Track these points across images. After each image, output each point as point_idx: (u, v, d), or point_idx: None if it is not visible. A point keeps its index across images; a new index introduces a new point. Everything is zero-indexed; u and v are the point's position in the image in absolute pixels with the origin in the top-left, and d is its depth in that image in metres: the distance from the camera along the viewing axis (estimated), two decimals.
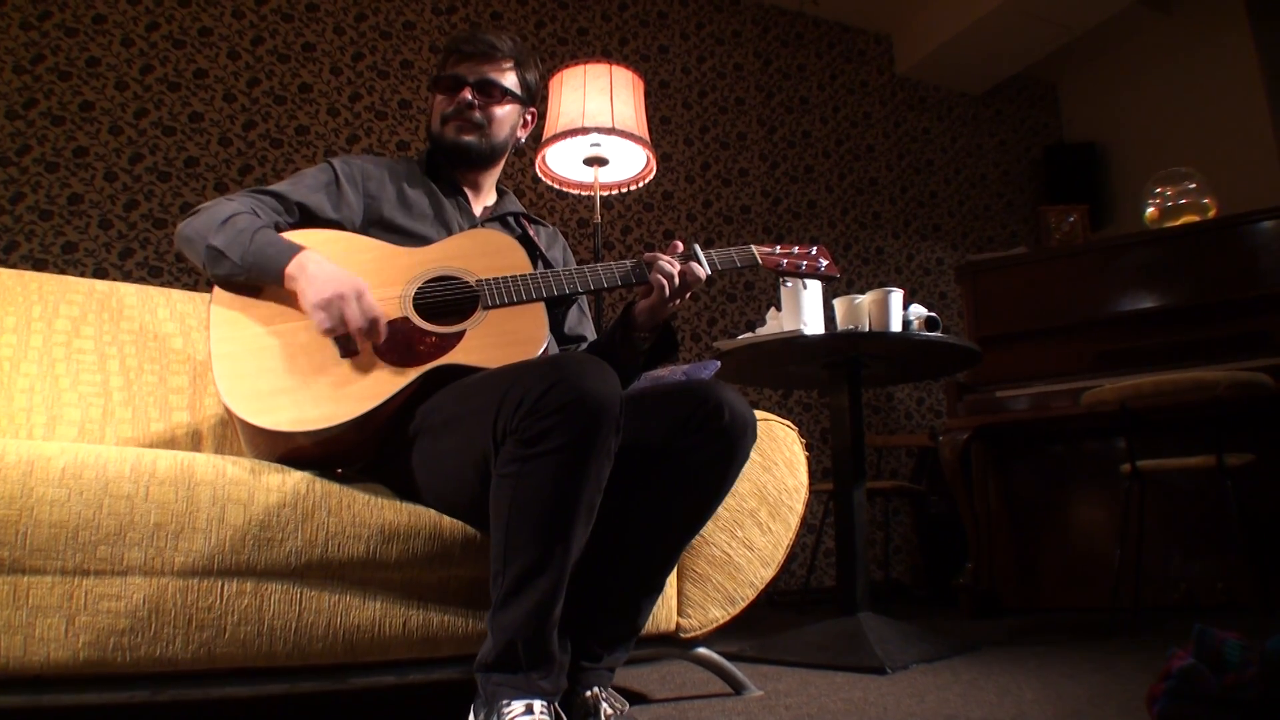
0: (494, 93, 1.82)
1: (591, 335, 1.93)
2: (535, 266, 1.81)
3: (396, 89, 4.06)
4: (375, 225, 1.71)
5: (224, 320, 1.53)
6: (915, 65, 5.33)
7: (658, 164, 3.61)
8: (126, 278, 3.37)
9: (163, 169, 3.54)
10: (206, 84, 3.68)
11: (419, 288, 1.59)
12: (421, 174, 1.84)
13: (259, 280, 1.55)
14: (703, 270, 1.66)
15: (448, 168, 1.86)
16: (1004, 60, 5.30)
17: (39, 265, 3.25)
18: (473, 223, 1.82)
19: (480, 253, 1.65)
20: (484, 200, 1.92)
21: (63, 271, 3.26)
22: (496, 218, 1.87)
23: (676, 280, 1.63)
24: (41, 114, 3.37)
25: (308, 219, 1.68)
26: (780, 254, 1.81)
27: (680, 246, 1.68)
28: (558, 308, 1.87)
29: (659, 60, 4.73)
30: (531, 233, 1.90)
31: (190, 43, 3.68)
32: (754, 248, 1.78)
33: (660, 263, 1.63)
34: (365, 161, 1.80)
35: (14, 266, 3.16)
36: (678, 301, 1.65)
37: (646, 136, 3.08)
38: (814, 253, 1.84)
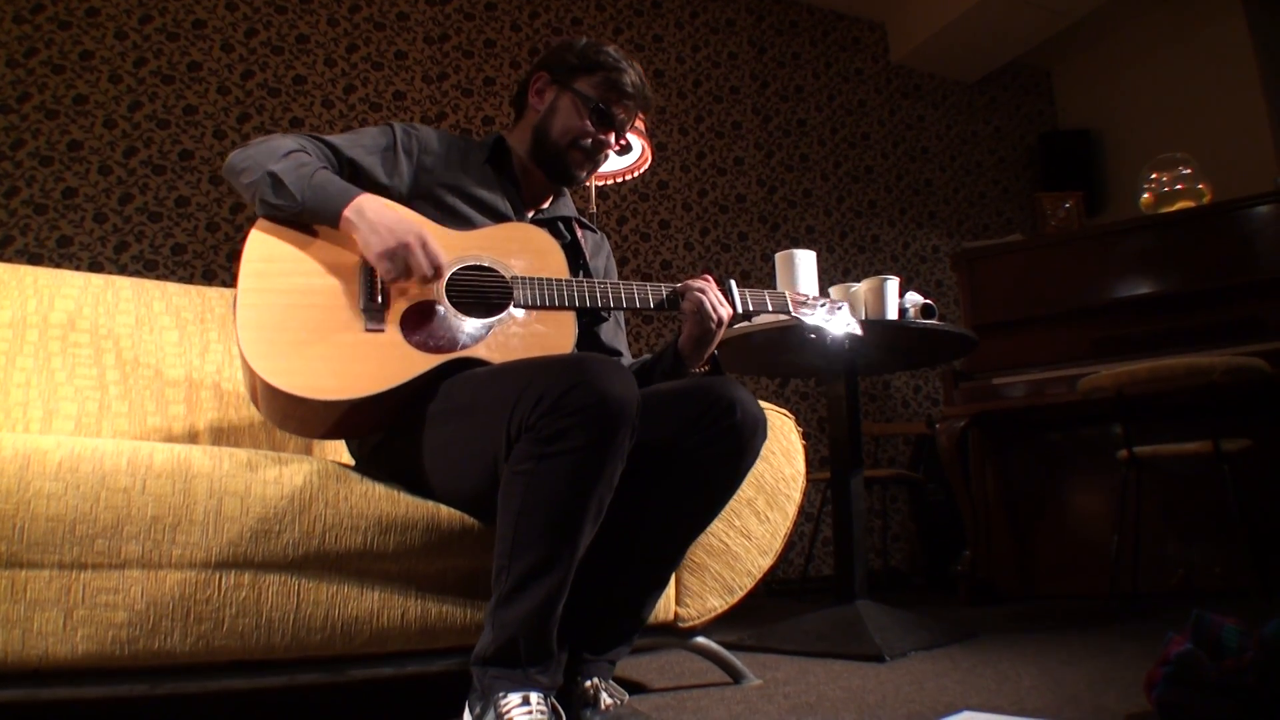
0: (622, 144, 1.86)
1: (625, 349, 1.91)
2: (576, 274, 1.78)
3: (391, 80, 4.04)
4: (423, 199, 1.67)
5: (256, 271, 1.51)
6: (910, 53, 5.32)
7: (653, 153, 3.60)
8: (122, 271, 3.37)
9: (158, 162, 3.53)
10: (200, 76, 3.67)
11: (454, 273, 1.58)
12: (483, 160, 1.79)
13: (313, 218, 1.54)
14: (727, 309, 1.65)
15: (529, 167, 1.83)
16: (998, 47, 5.29)
17: (34, 260, 3.24)
18: (522, 219, 1.78)
19: (520, 249, 1.63)
20: (542, 201, 1.89)
21: (58, 266, 3.25)
22: (546, 220, 1.84)
23: (710, 307, 1.61)
24: (35, 107, 3.35)
25: (355, 178, 1.65)
26: (813, 303, 1.81)
27: (710, 279, 1.68)
28: (590, 318, 1.84)
29: (654, 50, 4.72)
30: (580, 237, 1.87)
31: (184, 35, 3.66)
32: (788, 293, 1.78)
33: (694, 293, 1.62)
34: (427, 134, 1.78)
35: (9, 261, 3.14)
36: (718, 335, 1.65)
37: (642, 126, 3.07)
38: (843, 308, 1.85)
